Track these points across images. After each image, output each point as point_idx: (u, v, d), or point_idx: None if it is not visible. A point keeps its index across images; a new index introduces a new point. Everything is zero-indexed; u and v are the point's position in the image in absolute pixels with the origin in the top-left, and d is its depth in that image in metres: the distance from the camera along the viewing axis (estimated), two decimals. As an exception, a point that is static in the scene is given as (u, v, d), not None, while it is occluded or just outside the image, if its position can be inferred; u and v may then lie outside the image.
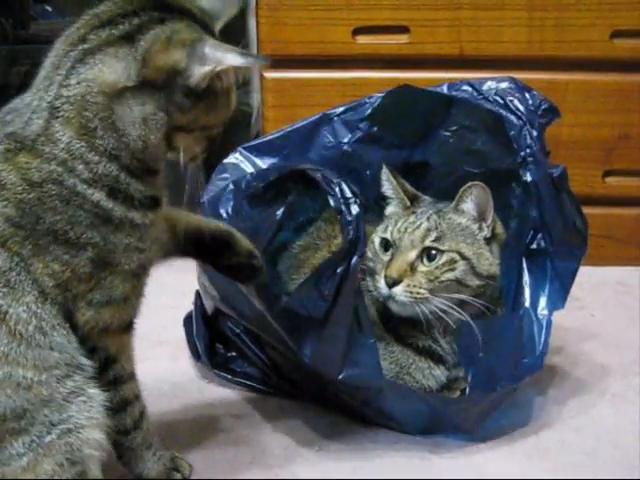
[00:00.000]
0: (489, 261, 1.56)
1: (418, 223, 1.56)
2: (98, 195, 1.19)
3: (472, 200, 1.56)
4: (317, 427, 1.59)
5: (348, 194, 1.41)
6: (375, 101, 1.74)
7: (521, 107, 1.62)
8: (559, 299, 1.59)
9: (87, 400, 1.21)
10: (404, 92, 1.72)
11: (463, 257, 1.53)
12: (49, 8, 2.73)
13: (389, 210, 1.66)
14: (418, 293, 1.51)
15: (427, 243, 1.54)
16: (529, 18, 2.16)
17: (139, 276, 1.26)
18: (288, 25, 2.19)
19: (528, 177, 1.60)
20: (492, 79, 1.68)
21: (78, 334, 1.23)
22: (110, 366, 1.28)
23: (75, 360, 1.21)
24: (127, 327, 1.29)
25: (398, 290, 1.51)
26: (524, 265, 1.63)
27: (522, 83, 1.67)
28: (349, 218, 1.40)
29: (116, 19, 1.19)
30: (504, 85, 1.66)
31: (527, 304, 1.60)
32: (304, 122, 1.76)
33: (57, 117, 1.18)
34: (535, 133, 1.60)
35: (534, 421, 1.61)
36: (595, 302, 2.08)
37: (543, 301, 1.59)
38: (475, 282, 1.54)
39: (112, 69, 1.16)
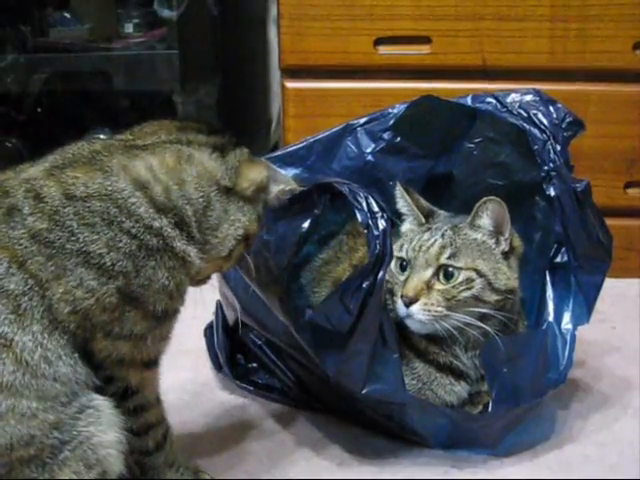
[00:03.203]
0: (507, 275, 1.54)
1: (432, 240, 1.54)
2: (164, 222, 1.20)
3: (488, 215, 1.55)
4: (339, 440, 1.59)
5: (375, 208, 1.41)
6: (399, 111, 1.73)
7: (545, 121, 1.61)
8: (583, 314, 1.58)
9: (94, 411, 1.19)
10: (428, 103, 1.71)
11: (480, 274, 1.52)
12: (68, 15, 2.73)
13: (404, 227, 1.64)
14: (436, 311, 1.50)
15: (442, 261, 1.52)
16: (551, 29, 2.16)
17: (160, 319, 1.24)
18: (310, 35, 2.19)
19: (552, 192, 1.59)
20: (516, 91, 1.67)
21: (94, 361, 1.21)
22: (131, 397, 1.27)
23: (77, 395, 1.18)
24: (149, 364, 1.28)
25: (415, 309, 1.50)
26: (548, 279, 1.62)
27: (546, 96, 1.66)
28: (376, 232, 1.39)
29: (206, 131, 1.31)
30: (528, 98, 1.65)
31: (551, 318, 1.59)
32: (327, 132, 1.75)
33: (147, 150, 1.23)
34: (559, 147, 1.59)
35: (557, 435, 1.60)
36: (617, 315, 2.07)
37: (567, 316, 1.59)
38: (493, 297, 1.53)
39: (209, 163, 1.26)
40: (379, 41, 2.20)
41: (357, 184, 1.50)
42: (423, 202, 1.64)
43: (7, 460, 1.14)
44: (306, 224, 1.53)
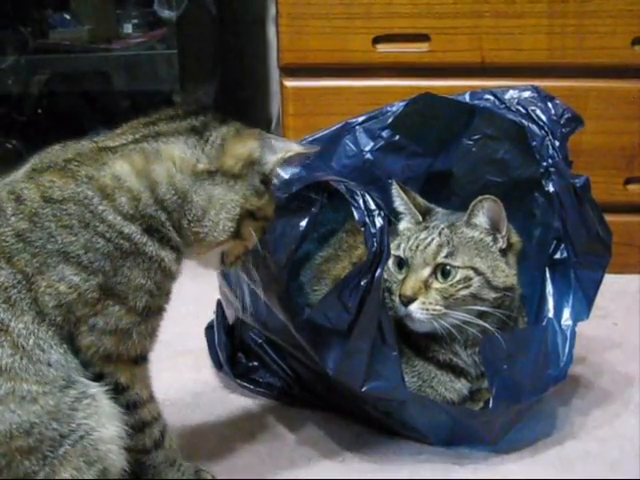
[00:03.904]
0: (505, 273, 1.54)
1: (429, 239, 1.54)
2: (133, 228, 1.21)
3: (484, 213, 1.55)
4: (340, 438, 1.59)
5: (372, 206, 1.41)
6: (397, 109, 1.73)
7: (543, 117, 1.61)
8: (583, 309, 1.58)
9: (91, 401, 1.19)
10: (426, 100, 1.71)
11: (478, 272, 1.52)
12: (68, 17, 2.74)
13: (402, 226, 1.64)
14: (434, 310, 1.50)
15: (439, 260, 1.52)
16: (549, 25, 2.16)
17: (143, 315, 1.24)
18: (308, 34, 2.20)
19: (550, 188, 1.59)
20: (514, 88, 1.67)
21: (80, 357, 1.22)
22: (122, 393, 1.27)
23: (72, 378, 1.19)
24: (137, 360, 1.28)
25: (414, 308, 1.50)
26: (547, 275, 1.62)
27: (545, 92, 1.66)
28: (373, 230, 1.40)
29: (182, 115, 1.29)
30: (526, 94, 1.66)
31: (551, 314, 1.59)
32: (326, 131, 1.76)
33: (116, 154, 1.23)
34: (557, 143, 1.59)
35: (558, 432, 1.60)
36: (618, 311, 2.07)
37: (567, 312, 1.58)
38: (492, 295, 1.53)
39: (182, 152, 1.24)
40: (378, 39, 2.20)
41: (356, 182, 1.50)
42: (420, 200, 1.64)
43: (6, 449, 1.14)
44: (304, 222, 1.53)
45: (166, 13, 2.57)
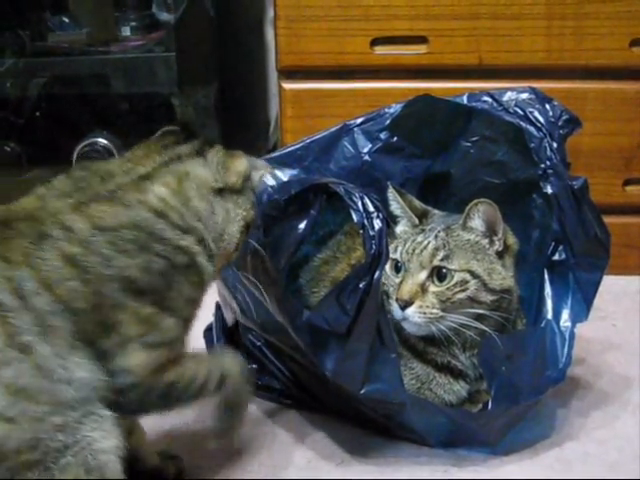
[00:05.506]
0: (502, 275, 1.54)
1: (425, 243, 1.54)
2: (190, 240, 1.27)
3: (480, 217, 1.54)
4: (339, 440, 1.59)
5: (371, 208, 1.41)
6: (395, 111, 1.73)
7: (541, 118, 1.61)
8: (582, 311, 1.58)
9: (99, 418, 1.19)
10: (424, 102, 1.71)
11: (474, 275, 1.52)
12: (66, 19, 2.74)
13: (399, 229, 1.63)
14: (431, 313, 1.50)
15: (435, 262, 1.52)
16: (548, 27, 2.15)
17: (186, 322, 1.30)
18: (306, 36, 2.19)
19: (549, 189, 1.59)
20: (512, 89, 1.67)
21: (120, 379, 1.22)
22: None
23: (87, 400, 1.19)
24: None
25: (410, 312, 1.50)
26: (546, 277, 1.62)
27: (542, 93, 1.66)
28: (372, 232, 1.39)
29: (182, 140, 1.36)
30: (524, 96, 1.65)
31: (549, 316, 1.59)
32: (324, 133, 1.76)
33: (150, 180, 1.28)
34: (555, 145, 1.59)
35: (557, 433, 1.60)
36: (617, 312, 2.06)
37: (566, 313, 1.58)
38: (489, 298, 1.52)
39: (201, 172, 1.33)
40: (376, 41, 2.19)
41: (355, 184, 1.50)
42: (417, 203, 1.63)
43: (12, 464, 1.14)
44: (302, 225, 1.52)
45: (164, 16, 2.58)
